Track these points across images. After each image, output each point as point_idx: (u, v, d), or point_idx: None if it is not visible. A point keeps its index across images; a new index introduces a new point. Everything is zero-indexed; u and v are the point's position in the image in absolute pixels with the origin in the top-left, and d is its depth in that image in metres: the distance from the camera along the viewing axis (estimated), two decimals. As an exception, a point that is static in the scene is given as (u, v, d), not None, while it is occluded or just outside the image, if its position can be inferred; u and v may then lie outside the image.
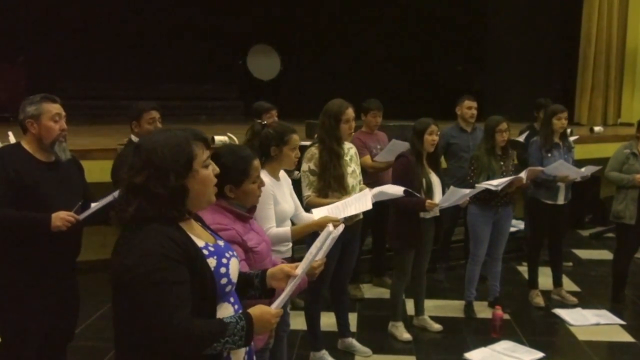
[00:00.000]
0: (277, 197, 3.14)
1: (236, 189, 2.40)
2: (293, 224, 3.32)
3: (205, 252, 1.77)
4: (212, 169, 1.81)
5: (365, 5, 11.31)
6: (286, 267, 1.99)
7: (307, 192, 3.72)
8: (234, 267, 1.85)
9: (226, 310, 1.80)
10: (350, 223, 3.63)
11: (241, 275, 2.00)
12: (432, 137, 4.24)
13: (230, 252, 1.88)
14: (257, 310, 1.77)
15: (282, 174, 3.36)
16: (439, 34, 11.19)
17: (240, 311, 1.82)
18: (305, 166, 3.74)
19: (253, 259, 2.41)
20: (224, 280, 1.78)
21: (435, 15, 11.27)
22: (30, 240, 2.85)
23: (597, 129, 8.00)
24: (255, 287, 2.02)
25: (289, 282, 1.93)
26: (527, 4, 10.02)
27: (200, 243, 1.77)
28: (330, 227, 1.91)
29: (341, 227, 2.01)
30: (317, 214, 3.28)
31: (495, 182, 4.43)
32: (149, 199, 1.67)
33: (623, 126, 9.14)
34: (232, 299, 1.85)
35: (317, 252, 1.92)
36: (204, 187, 1.78)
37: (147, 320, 1.62)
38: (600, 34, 9.26)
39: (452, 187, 4.23)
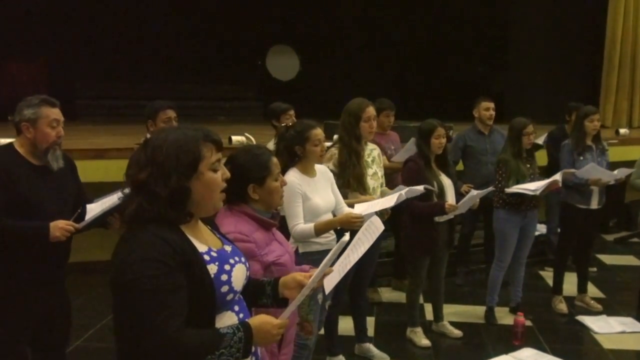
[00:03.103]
0: (308, 193, 3.14)
1: (260, 188, 2.32)
2: None
3: (207, 257, 1.68)
4: (222, 174, 1.72)
5: (385, 5, 11.23)
6: (299, 276, 1.90)
7: None
8: (238, 274, 1.75)
9: (229, 320, 1.72)
10: (383, 218, 3.56)
11: (253, 282, 1.91)
12: (439, 141, 4.14)
13: (237, 258, 1.78)
14: (258, 320, 1.68)
15: (323, 168, 3.36)
16: (460, 35, 11.09)
17: (240, 321, 1.73)
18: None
19: (277, 271, 2.31)
20: (224, 288, 1.69)
21: (456, 16, 11.16)
22: (18, 247, 2.73)
23: (622, 131, 7.81)
24: (267, 295, 1.93)
25: (301, 291, 1.83)
26: (551, 4, 9.86)
27: (202, 248, 1.69)
28: (345, 236, 1.82)
29: (347, 237, 1.90)
30: (358, 209, 3.24)
31: (532, 186, 4.34)
32: (149, 198, 1.61)
33: (649, 129, 8.95)
34: (236, 308, 1.76)
35: (329, 262, 1.82)
36: (208, 191, 1.68)
37: (137, 326, 1.56)
38: (625, 35, 9.06)
39: (472, 191, 4.15)
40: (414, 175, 4.05)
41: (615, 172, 4.73)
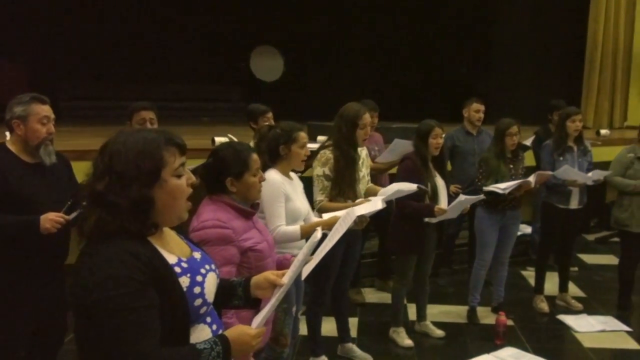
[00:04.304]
0: (290, 195, 3.13)
1: (237, 182, 2.40)
2: None
3: (178, 269, 1.57)
4: (187, 179, 1.60)
5: (369, 7, 11.25)
6: (271, 275, 1.79)
7: (319, 197, 3.59)
8: (210, 284, 1.66)
9: (202, 332, 1.62)
10: (361, 227, 3.55)
11: (223, 283, 1.82)
12: (436, 141, 4.17)
13: (207, 267, 1.69)
14: (235, 332, 1.60)
15: (294, 175, 3.34)
16: (444, 36, 11.13)
17: (217, 334, 1.63)
18: (319, 170, 3.62)
19: (253, 257, 2.39)
20: (198, 302, 1.59)
21: (440, 17, 11.21)
22: (16, 243, 2.76)
23: (603, 132, 7.89)
24: (238, 297, 1.84)
25: (275, 292, 1.76)
26: (534, 6, 9.94)
27: (171, 259, 1.58)
28: (318, 233, 1.80)
29: (319, 234, 1.89)
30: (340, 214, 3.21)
31: (502, 185, 4.38)
32: (109, 209, 1.48)
33: (629, 129, 9.03)
34: (208, 319, 1.67)
35: (304, 260, 1.78)
36: (172, 199, 1.56)
37: (108, 349, 1.43)
38: (607, 36, 9.16)
39: (461, 196, 4.17)
40: (410, 174, 4.08)
41: (590, 174, 4.78)
